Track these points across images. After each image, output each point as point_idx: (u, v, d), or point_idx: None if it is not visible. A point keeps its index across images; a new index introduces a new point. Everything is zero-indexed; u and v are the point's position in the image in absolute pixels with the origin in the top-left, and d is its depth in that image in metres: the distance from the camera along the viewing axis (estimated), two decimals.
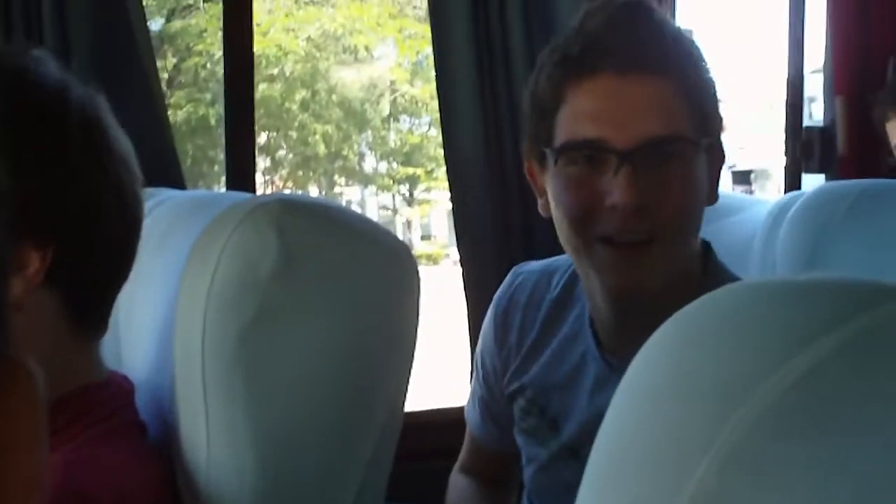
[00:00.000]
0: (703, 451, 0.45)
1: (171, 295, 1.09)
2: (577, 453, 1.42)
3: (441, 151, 2.35)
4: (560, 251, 1.45)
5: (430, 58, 2.30)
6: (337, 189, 14.51)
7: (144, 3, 2.09)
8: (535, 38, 2.28)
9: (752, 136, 14.11)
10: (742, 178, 15.42)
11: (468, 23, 2.27)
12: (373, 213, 14.27)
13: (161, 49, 10.79)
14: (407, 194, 15.14)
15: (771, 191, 14.31)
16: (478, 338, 1.63)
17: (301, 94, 12.47)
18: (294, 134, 13.00)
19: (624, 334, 1.39)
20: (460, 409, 1.73)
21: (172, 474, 1.08)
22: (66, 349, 1.06)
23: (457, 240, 2.38)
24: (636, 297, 1.32)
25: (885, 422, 0.43)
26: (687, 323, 0.52)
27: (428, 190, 14.58)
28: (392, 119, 13.71)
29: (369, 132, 13.88)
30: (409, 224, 15.81)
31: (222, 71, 2.23)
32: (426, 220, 16.22)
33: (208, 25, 11.04)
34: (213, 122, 11.04)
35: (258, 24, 10.50)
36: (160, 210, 1.32)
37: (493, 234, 2.30)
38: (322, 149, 13.00)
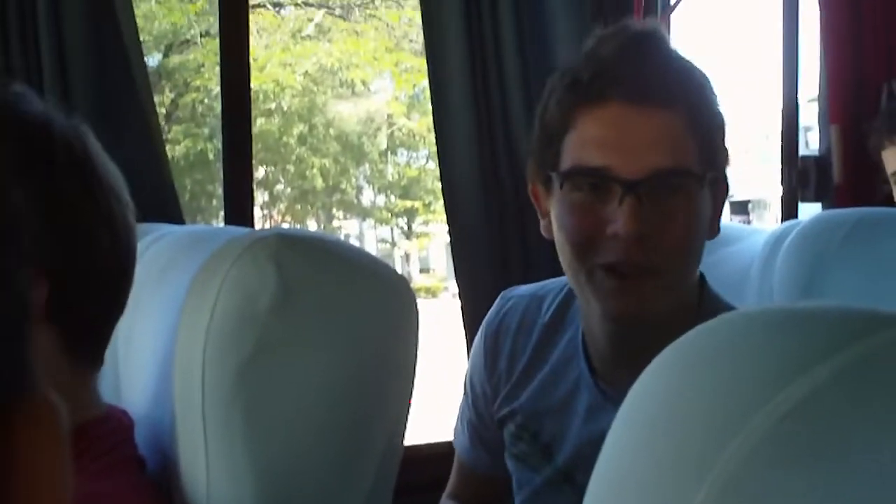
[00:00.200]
0: (701, 479, 0.45)
1: (171, 329, 1.09)
2: (571, 478, 1.42)
3: (439, 184, 2.35)
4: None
5: (427, 91, 2.31)
6: (335, 222, 14.52)
7: (142, 39, 2.10)
8: (532, 72, 2.29)
9: (750, 166, 14.14)
10: (740, 208, 15.43)
11: (464, 55, 2.28)
12: (371, 247, 14.27)
13: (159, 84, 10.82)
14: (405, 227, 15.15)
15: (768, 221, 14.32)
16: None
17: (298, 128, 12.50)
18: (292, 168, 13.02)
19: (619, 362, 1.39)
20: None
21: None
22: (64, 385, 1.05)
23: (455, 273, 2.37)
24: (634, 323, 1.32)
25: (881, 449, 0.43)
26: (684, 352, 0.52)
27: (426, 223, 14.59)
28: (390, 152, 13.73)
29: (367, 165, 13.90)
30: (407, 257, 15.80)
31: (220, 106, 2.24)
32: (424, 252, 16.21)
33: (205, 61, 11.07)
34: (211, 156, 11.05)
35: (255, 60, 10.54)
36: (159, 245, 1.32)
37: (492, 266, 2.30)
38: (320, 182, 13.02)
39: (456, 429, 1.67)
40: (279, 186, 13.47)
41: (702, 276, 1.43)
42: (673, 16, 2.47)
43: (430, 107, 2.33)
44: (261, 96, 11.55)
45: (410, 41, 12.11)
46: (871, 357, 0.45)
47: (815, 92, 2.85)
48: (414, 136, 13.13)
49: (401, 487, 1.15)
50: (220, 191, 2.95)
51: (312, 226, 13.86)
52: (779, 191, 2.85)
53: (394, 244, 15.48)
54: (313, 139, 12.83)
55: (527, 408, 1.49)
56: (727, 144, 1.39)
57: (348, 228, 14.91)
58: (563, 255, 1.35)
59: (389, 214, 14.60)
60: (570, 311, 1.48)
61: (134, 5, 2.03)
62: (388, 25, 12.29)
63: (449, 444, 1.72)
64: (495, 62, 2.31)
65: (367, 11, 12.36)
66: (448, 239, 2.37)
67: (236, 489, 1.01)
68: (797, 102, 2.81)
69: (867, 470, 0.43)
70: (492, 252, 2.30)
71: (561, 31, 2.33)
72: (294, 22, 12.31)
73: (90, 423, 1.07)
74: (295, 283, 1.00)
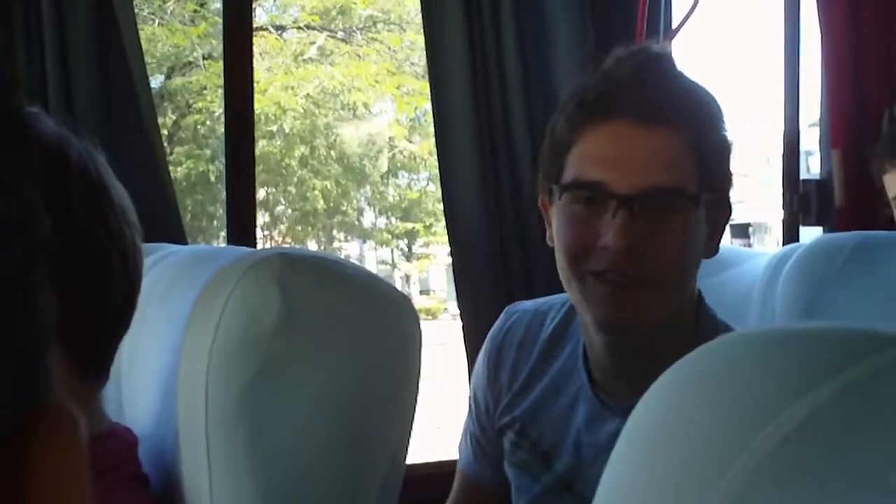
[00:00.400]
0: (703, 500, 0.45)
1: (174, 349, 1.09)
2: (571, 486, 1.44)
3: (439, 206, 2.37)
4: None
5: (428, 114, 2.33)
6: (336, 244, 14.50)
7: (145, 61, 2.11)
8: (534, 94, 2.30)
9: (751, 189, 14.15)
10: (741, 231, 15.42)
11: (467, 79, 2.29)
12: (372, 268, 14.21)
13: (161, 106, 10.84)
14: (405, 249, 15.14)
15: (770, 244, 14.30)
16: None
17: (300, 150, 12.50)
18: (293, 189, 13.02)
19: (617, 372, 1.42)
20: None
21: None
22: (70, 402, 1.05)
23: (456, 294, 2.38)
24: (625, 332, 1.36)
25: (882, 469, 0.43)
26: (684, 373, 0.52)
27: (427, 245, 14.58)
28: (390, 175, 13.73)
29: (368, 188, 13.90)
30: (407, 278, 15.78)
31: (222, 127, 2.25)
32: (425, 274, 16.20)
33: (208, 83, 11.09)
34: (212, 177, 11.06)
35: (257, 82, 10.56)
36: (163, 264, 1.33)
37: (493, 287, 2.30)
38: (321, 204, 13.01)
39: (460, 444, 1.69)
40: (280, 208, 13.46)
41: (699, 294, 1.46)
42: (675, 39, 2.48)
43: (431, 130, 2.34)
44: (262, 118, 11.55)
45: (412, 64, 12.13)
46: (873, 377, 0.45)
47: (816, 116, 2.85)
48: (415, 158, 13.13)
49: None
50: (221, 211, 2.95)
51: (313, 247, 13.84)
52: (780, 214, 2.86)
53: (394, 266, 15.46)
54: (315, 161, 12.83)
55: (527, 417, 1.51)
56: (732, 169, 1.42)
57: (349, 250, 14.90)
58: (559, 263, 1.40)
59: (390, 236, 14.58)
60: (572, 325, 1.52)
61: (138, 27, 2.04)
62: (389, 49, 12.31)
63: (448, 463, 1.73)
64: (498, 85, 2.32)
65: (369, 35, 12.38)
66: (448, 260, 2.38)
67: None
68: (798, 127, 2.82)
69: (869, 490, 0.42)
70: (493, 273, 2.30)
71: (564, 55, 2.34)
72: (296, 45, 12.32)
73: (94, 441, 1.06)
74: (298, 303, 1.01)
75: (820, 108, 2.81)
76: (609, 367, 1.43)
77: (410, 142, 13.01)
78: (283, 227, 13.62)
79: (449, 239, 2.35)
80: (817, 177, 2.80)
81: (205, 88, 11.23)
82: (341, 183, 13.20)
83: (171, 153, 10.90)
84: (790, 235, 2.80)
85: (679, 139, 1.32)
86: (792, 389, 0.45)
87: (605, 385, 1.44)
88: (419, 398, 1.13)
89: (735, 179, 1.43)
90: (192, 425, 1.02)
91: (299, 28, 12.33)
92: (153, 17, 10.77)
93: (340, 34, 12.48)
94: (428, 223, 13.59)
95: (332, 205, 13.29)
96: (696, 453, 0.47)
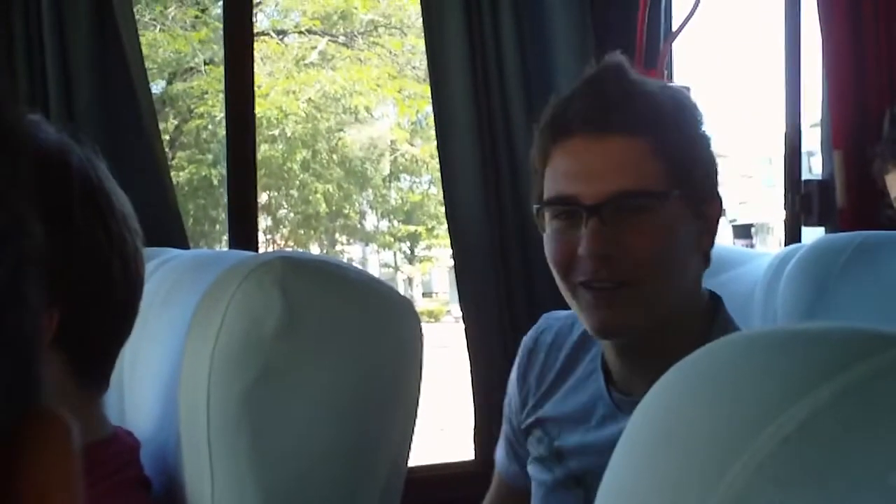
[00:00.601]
0: (704, 501, 0.45)
1: (176, 353, 1.09)
2: (582, 482, 1.50)
3: (441, 209, 2.37)
4: (561, 306, 1.52)
5: (430, 117, 2.34)
6: (338, 247, 14.51)
7: (146, 67, 2.12)
8: (534, 97, 2.30)
9: (753, 190, 14.15)
10: (743, 232, 15.44)
11: (468, 82, 2.29)
12: (374, 271, 14.24)
13: (162, 111, 10.85)
14: (408, 252, 15.16)
15: (772, 244, 14.30)
16: (481, 392, 1.67)
17: (302, 154, 12.52)
18: (295, 193, 13.03)
19: (629, 374, 1.47)
20: (461, 464, 1.74)
21: None
22: (72, 407, 1.05)
23: (459, 296, 2.38)
24: (615, 335, 1.43)
25: (884, 470, 0.42)
26: (686, 373, 0.52)
27: (429, 247, 14.62)
28: (392, 178, 13.75)
29: (370, 191, 13.92)
30: (410, 281, 15.81)
31: (223, 132, 2.25)
32: (427, 277, 16.23)
33: (209, 87, 11.10)
34: (214, 182, 11.08)
35: (259, 87, 10.57)
36: (165, 269, 1.33)
37: (495, 290, 2.30)
38: (323, 207, 13.02)
39: (498, 446, 1.76)
40: (282, 211, 13.48)
41: (718, 298, 1.50)
42: (676, 42, 2.48)
43: (432, 133, 2.35)
44: (264, 122, 11.57)
45: (413, 68, 12.14)
46: (874, 377, 0.45)
47: (817, 117, 2.85)
48: (416, 161, 13.16)
49: None
50: (223, 215, 2.96)
51: (315, 251, 13.84)
52: (782, 215, 2.86)
53: (397, 269, 15.48)
54: (316, 165, 12.85)
55: (549, 416, 1.57)
56: (713, 164, 1.47)
57: (351, 253, 14.92)
58: (554, 276, 1.46)
59: (392, 239, 14.61)
60: None
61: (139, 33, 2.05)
62: (390, 53, 12.33)
63: (451, 465, 1.74)
64: (499, 88, 2.32)
65: (371, 39, 12.39)
66: (450, 263, 2.39)
67: None
68: (800, 128, 2.82)
69: (871, 491, 0.42)
70: (495, 275, 2.30)
71: (564, 56, 2.34)
72: (298, 50, 12.34)
73: (96, 445, 1.07)
74: (300, 307, 1.01)
75: (821, 109, 2.81)
76: (621, 368, 1.48)
77: (412, 145, 13.03)
78: (285, 231, 13.63)
79: (451, 241, 2.35)
80: (819, 177, 2.80)
81: (206, 93, 11.25)
82: (343, 186, 13.22)
83: (173, 158, 10.92)
84: (792, 236, 2.80)
85: (636, 143, 1.39)
86: (793, 390, 0.45)
87: (623, 385, 1.49)
88: (421, 400, 1.13)
89: (737, 180, 1.46)
90: (193, 429, 1.02)
91: (300, 33, 12.34)
92: (154, 23, 10.80)
93: (342, 38, 12.50)
94: (430, 226, 13.62)
95: (334, 208, 13.30)
96: (696, 454, 0.47)
